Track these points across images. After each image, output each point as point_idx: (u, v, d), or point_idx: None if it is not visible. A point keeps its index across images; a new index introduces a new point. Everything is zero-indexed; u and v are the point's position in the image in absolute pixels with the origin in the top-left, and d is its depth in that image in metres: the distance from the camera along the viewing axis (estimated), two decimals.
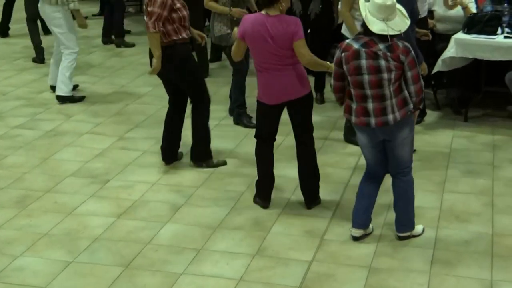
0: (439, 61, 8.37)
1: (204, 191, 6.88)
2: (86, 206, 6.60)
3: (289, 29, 6.02)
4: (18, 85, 10.31)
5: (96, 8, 15.08)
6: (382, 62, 5.44)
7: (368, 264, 5.60)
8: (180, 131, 7.55)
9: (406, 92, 5.55)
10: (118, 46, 12.46)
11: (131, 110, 9.22)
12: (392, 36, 5.43)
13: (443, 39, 8.66)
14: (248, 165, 7.41)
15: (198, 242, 5.95)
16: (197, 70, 7.30)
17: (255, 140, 8.03)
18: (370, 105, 5.58)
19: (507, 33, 8.38)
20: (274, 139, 6.58)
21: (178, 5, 6.96)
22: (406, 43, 5.50)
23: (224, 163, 7.51)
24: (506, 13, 8.56)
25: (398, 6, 5.57)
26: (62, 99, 9.53)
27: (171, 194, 6.82)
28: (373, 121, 5.59)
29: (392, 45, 5.44)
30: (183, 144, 7.65)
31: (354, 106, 5.66)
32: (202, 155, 7.46)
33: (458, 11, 8.84)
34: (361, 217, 5.96)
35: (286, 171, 7.06)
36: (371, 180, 5.96)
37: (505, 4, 8.77)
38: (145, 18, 6.99)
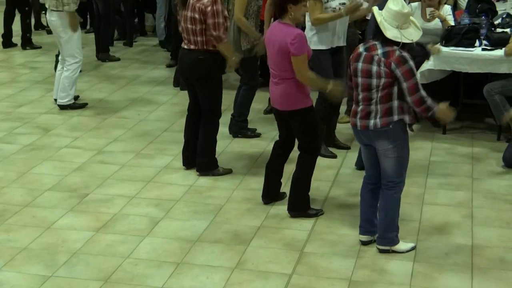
0: (418, 74, 8.40)
1: (183, 205, 6.86)
2: (65, 220, 6.55)
3: (286, 40, 6.15)
4: None
5: None
6: (374, 68, 5.55)
7: (348, 277, 5.59)
8: (198, 136, 7.60)
9: (395, 103, 5.60)
10: (103, 60, 12.41)
11: (110, 124, 9.18)
12: (404, 44, 5.56)
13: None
14: (227, 178, 7.41)
15: (177, 255, 5.92)
16: (219, 84, 7.39)
17: (233, 154, 8.08)
18: (360, 107, 5.72)
19: (485, 45, 8.44)
20: (286, 148, 6.72)
21: (226, 12, 7.19)
22: (404, 54, 5.53)
23: (230, 171, 7.58)
24: (483, 25, 8.61)
25: (412, 17, 5.70)
26: (62, 107, 9.73)
27: (150, 208, 6.79)
28: (358, 123, 5.73)
29: (389, 51, 5.53)
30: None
31: (353, 107, 5.85)
32: (209, 165, 7.53)
33: (436, 23, 8.87)
34: (363, 223, 6.04)
35: None
36: (368, 184, 6.02)
37: (483, 17, 8.83)
38: (186, 34, 7.21)
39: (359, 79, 5.67)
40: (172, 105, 9.93)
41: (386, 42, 5.56)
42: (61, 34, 9.55)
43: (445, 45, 8.44)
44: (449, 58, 8.35)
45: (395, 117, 5.62)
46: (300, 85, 6.30)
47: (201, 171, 7.52)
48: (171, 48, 12.16)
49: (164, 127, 9.03)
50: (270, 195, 6.83)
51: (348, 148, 8.17)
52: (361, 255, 5.91)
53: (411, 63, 5.53)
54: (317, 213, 6.62)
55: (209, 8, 6.98)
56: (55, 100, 9.87)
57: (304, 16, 6.42)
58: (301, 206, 6.60)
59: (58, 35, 9.63)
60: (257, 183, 7.19)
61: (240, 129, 8.65)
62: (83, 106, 9.84)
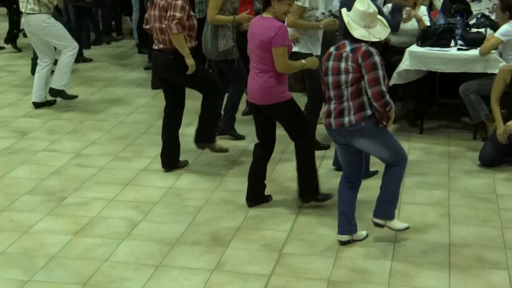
0: (395, 74, 8.45)
1: (161, 207, 6.85)
2: (43, 224, 6.53)
3: (268, 33, 6.24)
4: None
5: None
6: (342, 64, 5.69)
7: (327, 277, 5.61)
8: (177, 138, 7.66)
9: (365, 97, 5.71)
10: (76, 61, 12.37)
11: (87, 127, 9.16)
12: (372, 43, 5.70)
13: (398, 52, 8.73)
14: (205, 180, 7.41)
15: (156, 258, 5.91)
16: (202, 70, 7.49)
17: (212, 156, 8.06)
18: (332, 106, 5.83)
19: (460, 45, 8.50)
20: (267, 148, 6.74)
21: (191, 13, 7.26)
22: (371, 49, 5.67)
23: (226, 150, 7.77)
24: (458, 25, 8.68)
25: (379, 16, 5.86)
26: (53, 93, 9.85)
27: (129, 211, 6.78)
28: (333, 122, 5.82)
29: (357, 47, 5.68)
30: (185, 151, 7.80)
31: (325, 107, 5.95)
32: (207, 138, 7.65)
33: (412, 24, 8.93)
34: (342, 222, 6.08)
35: (244, 186, 7.01)
36: (346, 183, 6.08)
37: (458, 17, 8.89)
38: (156, 34, 7.29)
39: (330, 78, 5.80)
40: (150, 107, 9.91)
41: (355, 40, 5.72)
42: (45, 35, 9.59)
43: (421, 45, 8.49)
44: (425, 58, 8.40)
45: (368, 112, 5.74)
46: (279, 79, 6.37)
47: (198, 142, 7.69)
48: (148, 50, 12.13)
49: (142, 129, 9.02)
50: (255, 197, 6.83)
51: (327, 147, 8.19)
52: (340, 255, 5.93)
53: (377, 58, 5.66)
54: (327, 197, 6.72)
55: (169, 3, 7.07)
56: (33, 103, 9.85)
57: (286, 15, 6.46)
58: (310, 191, 6.70)
59: (42, 37, 9.63)
60: (236, 184, 7.21)
61: (227, 126, 8.63)
62: (73, 97, 10.00)
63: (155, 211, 6.77)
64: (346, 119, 5.74)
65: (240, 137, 8.59)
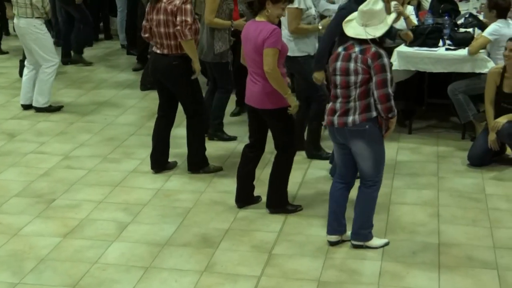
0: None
1: (151, 208, 6.84)
2: (32, 226, 6.51)
3: (261, 36, 6.21)
4: None
5: None
6: (351, 65, 5.67)
7: (317, 278, 5.61)
8: (168, 139, 7.64)
9: (372, 99, 5.69)
10: (65, 63, 12.35)
11: (76, 129, 9.14)
12: (373, 40, 5.67)
13: (386, 52, 8.72)
14: (194, 181, 7.40)
15: (146, 260, 5.90)
16: (197, 84, 7.42)
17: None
18: (338, 105, 5.80)
19: (448, 45, 8.52)
20: (257, 150, 6.73)
21: (196, 16, 7.24)
22: (380, 50, 5.66)
23: (220, 169, 7.65)
24: (446, 25, 8.69)
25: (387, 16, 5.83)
26: (38, 110, 9.75)
27: (118, 212, 6.77)
28: (336, 120, 5.80)
29: (366, 48, 5.66)
30: (177, 154, 7.78)
31: (329, 106, 5.93)
32: (200, 164, 7.59)
33: (401, 25, 8.93)
34: (332, 222, 6.08)
35: (233, 187, 7.01)
36: (339, 183, 6.06)
37: (446, 17, 8.91)
38: (159, 39, 7.19)
39: (338, 78, 5.77)
40: (139, 109, 9.90)
41: (363, 40, 5.69)
42: (32, 41, 9.54)
43: (409, 45, 8.51)
44: (414, 58, 8.41)
45: (374, 113, 5.71)
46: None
47: (193, 170, 7.58)
48: (136, 51, 12.12)
49: (131, 131, 9.01)
50: (244, 199, 6.83)
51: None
52: (330, 256, 5.93)
53: (385, 60, 5.64)
54: (296, 209, 6.69)
55: (178, 7, 7.00)
56: (22, 105, 9.83)
57: (279, 18, 6.46)
58: (279, 202, 6.66)
59: (28, 42, 9.59)
60: (225, 185, 7.21)
61: (217, 131, 8.63)
62: (60, 108, 9.89)
63: (144, 213, 6.76)
64: (350, 118, 5.72)
65: (232, 138, 8.58)
